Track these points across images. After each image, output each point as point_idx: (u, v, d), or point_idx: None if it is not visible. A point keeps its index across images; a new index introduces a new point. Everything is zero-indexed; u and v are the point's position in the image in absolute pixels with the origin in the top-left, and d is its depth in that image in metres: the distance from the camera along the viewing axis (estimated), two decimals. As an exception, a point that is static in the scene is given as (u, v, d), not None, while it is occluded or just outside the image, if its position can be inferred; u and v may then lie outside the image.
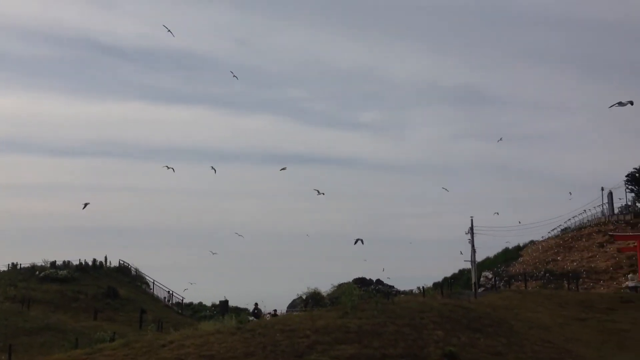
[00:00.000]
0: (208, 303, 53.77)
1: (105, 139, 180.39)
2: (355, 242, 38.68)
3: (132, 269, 54.03)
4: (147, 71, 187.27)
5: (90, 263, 51.63)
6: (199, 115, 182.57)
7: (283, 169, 45.29)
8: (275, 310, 33.88)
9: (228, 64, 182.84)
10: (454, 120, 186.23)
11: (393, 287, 73.82)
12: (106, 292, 45.85)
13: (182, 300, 51.23)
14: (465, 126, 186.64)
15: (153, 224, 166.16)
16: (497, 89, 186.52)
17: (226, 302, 45.67)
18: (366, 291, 25.77)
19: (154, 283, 52.39)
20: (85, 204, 37.23)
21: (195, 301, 54.68)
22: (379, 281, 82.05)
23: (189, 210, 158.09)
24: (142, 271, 54.33)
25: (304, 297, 45.02)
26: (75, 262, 50.70)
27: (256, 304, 33.37)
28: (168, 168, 41.89)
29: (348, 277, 76.12)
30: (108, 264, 52.95)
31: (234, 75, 42.89)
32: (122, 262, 54.22)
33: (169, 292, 51.38)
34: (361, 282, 75.38)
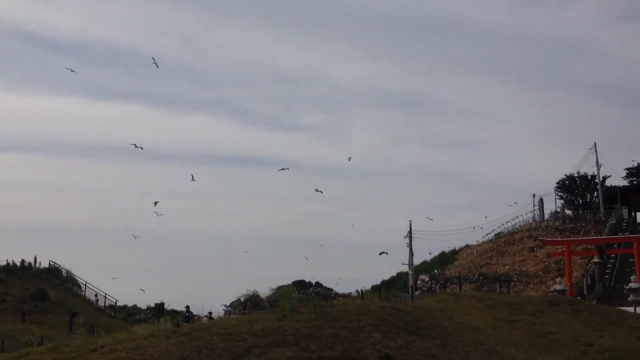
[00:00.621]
0: (143, 306, 52.53)
1: (37, 134, 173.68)
2: (380, 254, 39.93)
3: (63, 270, 52.14)
4: (83, 65, 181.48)
5: (18, 264, 49.45)
6: (135, 113, 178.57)
7: (283, 169, 45.48)
8: (210, 313, 33.36)
9: (168, 61, 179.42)
10: (396, 125, 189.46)
11: (332, 289, 74.27)
12: (35, 294, 44.06)
13: (116, 302, 49.84)
14: (406, 131, 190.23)
15: (86, 224, 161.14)
16: (437, 96, 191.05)
17: (162, 304, 44.83)
18: (305, 294, 25.75)
19: (85, 285, 50.75)
20: None
21: (130, 304, 53.32)
22: (318, 284, 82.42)
23: (125, 211, 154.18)
24: (74, 273, 52.54)
25: (242, 299, 44.67)
26: (2, 263, 48.45)
27: (187, 307, 32.68)
28: (136, 147, 41.05)
29: (287, 280, 76.17)
30: (37, 265, 50.89)
31: (154, 62, 41.33)
32: (52, 263, 52.24)
33: (96, 294, 49.71)
34: (300, 284, 75.61)
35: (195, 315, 33.20)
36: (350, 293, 53.57)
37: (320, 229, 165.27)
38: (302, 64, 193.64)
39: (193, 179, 43.81)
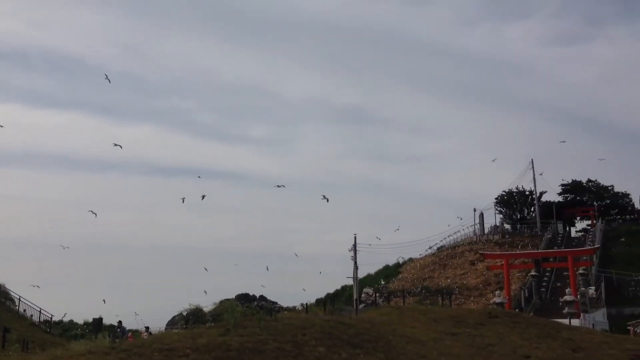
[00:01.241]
0: (80, 321, 50.67)
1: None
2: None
3: (-6, 284, 49.71)
4: (19, 71, 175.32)
5: (-55, 277, 46.85)
6: (75, 122, 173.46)
7: (279, 186, 45.78)
8: (147, 328, 32.29)
9: (113, 69, 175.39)
10: (341, 138, 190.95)
11: (276, 303, 73.78)
12: (-37, 309, 41.84)
13: (51, 318, 47.88)
14: (352, 145, 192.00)
15: (21, 235, 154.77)
16: (383, 110, 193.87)
17: (100, 319, 43.27)
18: (249, 308, 25.44)
19: (19, 299, 48.55)
20: None
21: (66, 319, 51.33)
22: (262, 297, 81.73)
23: (63, 222, 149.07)
24: (7, 287, 50.19)
25: (184, 313, 43.68)
26: None
27: (119, 322, 31.51)
28: (116, 145, 41.94)
29: (231, 294, 75.23)
30: (-33, 278, 48.36)
31: (107, 78, 42.61)
32: (-17, 277, 49.67)
33: (25, 309, 47.55)
34: (244, 298, 74.83)
35: (129, 331, 32.14)
36: (294, 307, 53.34)
37: (265, 241, 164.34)
38: (250, 76, 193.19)
39: (203, 198, 44.18)
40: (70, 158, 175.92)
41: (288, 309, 49.94)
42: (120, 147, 42.70)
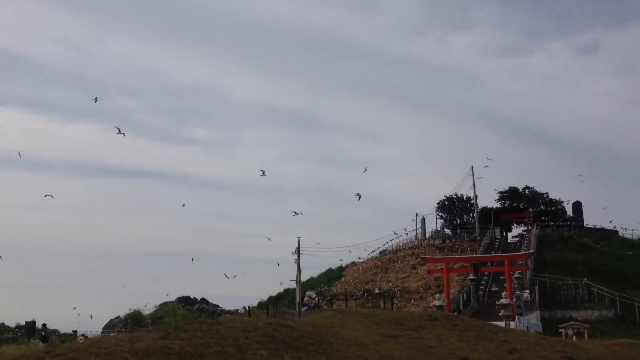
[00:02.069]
0: (12, 324, 48.70)
1: None
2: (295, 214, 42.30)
3: None
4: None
5: None
6: (10, 118, 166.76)
7: (296, 213, 45.85)
8: (75, 332, 31.21)
9: (53, 66, 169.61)
10: (287, 142, 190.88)
11: (218, 306, 72.95)
12: None
13: (-19, 321, 45.84)
14: (297, 149, 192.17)
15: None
16: (328, 115, 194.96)
17: (33, 322, 41.60)
18: (190, 311, 25.02)
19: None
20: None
21: (-4, 322, 49.27)
22: (203, 300, 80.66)
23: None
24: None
25: (122, 317, 42.58)
26: None
27: (44, 325, 30.25)
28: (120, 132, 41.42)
29: (172, 296, 73.87)
30: None
31: (95, 99, 43.84)
32: None
33: None
34: (185, 301, 73.60)
35: (53, 331, 30.88)
36: (237, 310, 52.85)
37: (207, 244, 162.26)
38: (195, 77, 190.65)
39: (264, 174, 44.61)
40: (4, 156, 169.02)
41: (230, 312, 49.46)
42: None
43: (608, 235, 75.33)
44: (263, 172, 43.99)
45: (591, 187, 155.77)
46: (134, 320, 22.17)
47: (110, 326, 52.31)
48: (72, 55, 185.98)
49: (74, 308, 48.31)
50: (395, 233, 75.17)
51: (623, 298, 54.38)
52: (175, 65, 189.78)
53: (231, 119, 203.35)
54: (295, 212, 45.05)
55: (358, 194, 44.37)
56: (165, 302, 51.64)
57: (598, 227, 79.55)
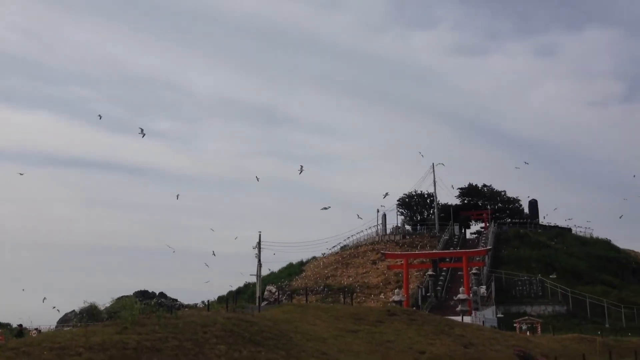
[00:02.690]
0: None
1: None
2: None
3: None
4: None
5: None
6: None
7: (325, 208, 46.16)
8: (20, 325, 30.31)
9: (7, 54, 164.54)
10: (249, 136, 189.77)
11: (177, 300, 72.17)
12: None
13: None
14: (259, 143, 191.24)
15: None
16: (291, 110, 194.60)
17: (-17, 316, 40.46)
18: (148, 305, 24.69)
19: None
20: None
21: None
22: (162, 294, 79.70)
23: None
24: None
25: (78, 311, 41.69)
26: None
27: None
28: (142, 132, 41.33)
29: (129, 290, 72.79)
30: None
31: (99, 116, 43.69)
32: None
33: None
34: (143, 295, 72.63)
35: None
36: (196, 304, 52.41)
37: (167, 238, 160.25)
38: (157, 69, 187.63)
39: (142, 132, 43.50)
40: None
41: (189, 307, 49.00)
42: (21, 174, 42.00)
43: (562, 233, 77.39)
44: (301, 167, 44.64)
45: (547, 186, 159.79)
46: (90, 314, 21.76)
47: (65, 320, 51.20)
48: (31, 43, 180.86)
49: (44, 299, 47.18)
50: (358, 216, 75.55)
51: (575, 294, 55.99)
52: (137, 55, 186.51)
53: (193, 112, 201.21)
54: (325, 208, 45.79)
55: (301, 166, 44.88)
56: (123, 296, 50.83)
57: (552, 224, 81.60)
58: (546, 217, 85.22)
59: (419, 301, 51.15)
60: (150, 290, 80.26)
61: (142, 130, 41.99)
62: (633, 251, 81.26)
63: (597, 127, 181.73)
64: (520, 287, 57.24)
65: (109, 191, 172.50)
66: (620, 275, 66.90)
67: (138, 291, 75.25)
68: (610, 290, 59.51)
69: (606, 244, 76.30)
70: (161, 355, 16.52)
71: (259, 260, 42.12)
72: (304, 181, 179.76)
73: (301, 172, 44.63)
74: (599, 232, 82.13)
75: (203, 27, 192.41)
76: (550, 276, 57.81)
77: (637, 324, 53.82)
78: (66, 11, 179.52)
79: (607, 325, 51.02)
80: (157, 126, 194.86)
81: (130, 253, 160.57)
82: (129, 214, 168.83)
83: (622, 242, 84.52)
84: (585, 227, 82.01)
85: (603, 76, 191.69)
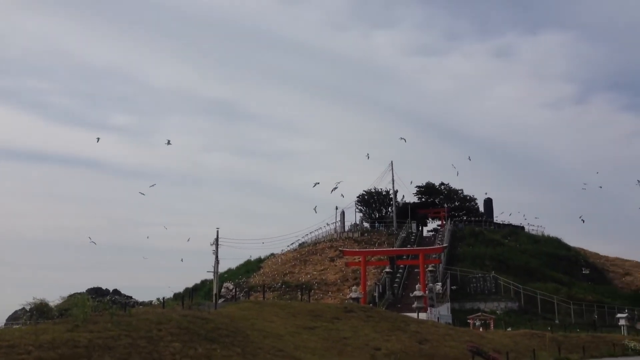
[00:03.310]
0: None
1: None
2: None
3: None
4: None
5: None
6: None
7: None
8: None
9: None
10: (208, 131, 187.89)
11: (131, 297, 70.90)
12: None
13: None
14: (218, 138, 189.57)
15: None
16: (251, 106, 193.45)
17: None
18: (101, 302, 24.18)
19: None
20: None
21: None
22: (116, 291, 78.26)
23: None
24: None
25: (27, 308, 40.46)
26: None
27: None
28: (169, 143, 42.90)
29: (82, 287, 71.24)
30: None
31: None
32: None
33: None
34: (96, 292, 71.20)
35: None
36: (151, 301, 51.56)
37: (123, 234, 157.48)
38: (113, 61, 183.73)
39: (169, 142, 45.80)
40: None
41: (144, 304, 48.18)
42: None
43: (515, 231, 79.27)
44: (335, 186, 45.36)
45: (501, 185, 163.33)
46: (40, 311, 21.12)
47: (14, 318, 49.64)
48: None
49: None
50: (315, 210, 75.85)
51: (527, 290, 57.45)
52: (92, 46, 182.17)
53: (151, 106, 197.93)
54: (336, 185, 46.48)
55: (168, 141, 45.67)
56: (75, 293, 49.67)
57: (506, 223, 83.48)
58: (500, 215, 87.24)
59: (376, 298, 51.62)
60: (104, 287, 78.78)
61: (169, 141, 43.79)
62: (582, 249, 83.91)
63: (550, 128, 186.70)
64: (475, 284, 58.36)
65: (63, 185, 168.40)
66: (569, 273, 69.00)
67: (91, 288, 73.77)
68: (561, 287, 61.35)
69: (557, 242, 78.57)
70: (113, 353, 16.20)
71: (217, 257, 41.75)
72: (263, 178, 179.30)
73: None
74: (551, 231, 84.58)
75: (163, 20, 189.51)
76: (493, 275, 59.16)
77: (585, 320, 55.66)
78: (20, 2, 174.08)
79: (556, 321, 52.56)
80: (114, 120, 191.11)
81: (84, 249, 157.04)
82: (83, 209, 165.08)
83: (572, 240, 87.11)
84: (538, 226, 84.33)
85: (556, 78, 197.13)
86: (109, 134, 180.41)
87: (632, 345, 39.37)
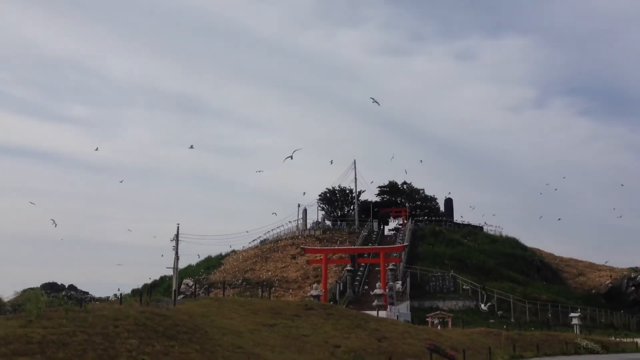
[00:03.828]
0: None
1: None
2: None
3: None
4: None
5: None
6: None
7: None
8: None
9: None
10: (170, 126, 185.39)
11: (88, 293, 69.57)
12: None
13: None
14: (180, 133, 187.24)
15: None
16: (214, 102, 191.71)
17: None
18: (56, 298, 23.65)
19: None
20: None
21: None
22: (71, 287, 76.66)
23: None
24: None
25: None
26: None
27: None
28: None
29: (36, 282, 69.53)
30: None
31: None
32: None
33: None
34: (51, 287, 69.65)
35: None
36: (108, 297, 50.73)
37: (79, 228, 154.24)
38: (74, 52, 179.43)
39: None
40: None
41: (100, 300, 47.35)
42: None
43: (474, 231, 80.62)
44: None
45: (462, 185, 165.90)
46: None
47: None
48: None
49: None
50: (274, 214, 75.81)
51: (484, 290, 58.52)
52: (52, 38, 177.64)
53: (112, 99, 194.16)
54: (292, 154, 46.12)
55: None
56: (29, 289, 48.41)
57: (466, 223, 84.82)
58: (462, 216, 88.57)
59: (337, 296, 51.80)
60: (59, 283, 77.05)
61: (192, 146, 44.27)
62: (538, 249, 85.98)
63: (510, 130, 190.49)
64: (434, 283, 59.12)
65: (16, 178, 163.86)
66: (525, 272, 70.61)
67: (46, 283, 72.05)
68: (516, 287, 62.74)
69: (514, 243, 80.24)
70: (68, 350, 15.84)
71: (176, 253, 41.28)
72: (226, 174, 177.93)
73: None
74: (508, 231, 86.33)
75: (125, 13, 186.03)
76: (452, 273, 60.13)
77: (539, 318, 57.06)
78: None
79: (512, 320, 53.70)
80: (72, 111, 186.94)
81: (39, 243, 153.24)
82: (39, 202, 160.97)
83: (529, 240, 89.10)
84: (496, 226, 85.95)
85: (517, 82, 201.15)
86: (67, 126, 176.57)
87: (585, 344, 40.52)
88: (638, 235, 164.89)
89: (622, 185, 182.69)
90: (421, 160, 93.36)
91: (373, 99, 47.54)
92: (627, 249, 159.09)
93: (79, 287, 76.38)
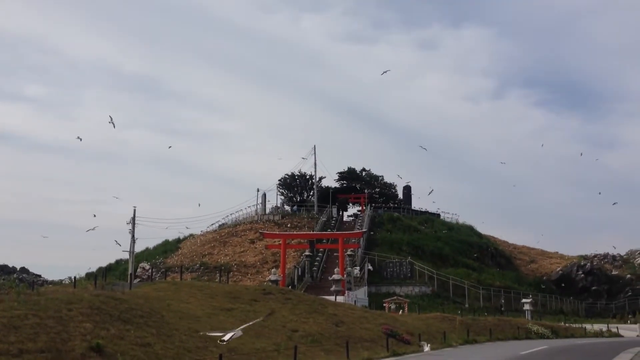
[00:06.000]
0: None
1: None
2: None
3: None
4: None
5: None
6: None
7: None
8: None
9: None
10: (129, 108, 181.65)
11: (40, 276, 68.01)
12: None
13: None
14: (139, 115, 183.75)
15: None
16: (176, 84, 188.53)
17: None
18: (7, 280, 23.07)
19: None
20: None
21: None
22: (23, 269, 74.81)
23: None
24: None
25: None
26: None
27: None
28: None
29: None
30: None
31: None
32: None
33: None
34: (2, 270, 67.82)
35: None
36: (61, 280, 49.62)
37: (32, 210, 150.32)
38: (27, 28, 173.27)
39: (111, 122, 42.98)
40: None
41: (54, 283, 46.34)
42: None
43: (431, 218, 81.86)
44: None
45: (422, 173, 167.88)
46: (-63, 290, 19.88)
47: None
48: None
49: None
50: (246, 206, 75.17)
51: (440, 275, 59.65)
52: (6, 15, 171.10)
53: (69, 78, 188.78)
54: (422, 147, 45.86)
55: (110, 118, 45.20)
56: (-22, 271, 47.03)
57: (423, 210, 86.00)
58: (419, 200, 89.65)
59: (295, 281, 51.97)
60: (10, 265, 75.05)
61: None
62: (492, 237, 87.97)
63: (470, 120, 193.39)
64: (391, 269, 59.93)
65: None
66: (480, 259, 72.21)
67: (-3, 266, 70.12)
68: (471, 273, 64.20)
69: (470, 230, 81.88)
70: (19, 333, 15.42)
71: (133, 236, 40.54)
72: (186, 157, 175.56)
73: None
74: (465, 219, 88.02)
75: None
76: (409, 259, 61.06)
77: (492, 304, 58.57)
78: None
79: (466, 305, 54.97)
80: (28, 90, 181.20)
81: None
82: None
83: (484, 228, 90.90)
84: (453, 213, 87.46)
85: (477, 73, 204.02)
86: (23, 105, 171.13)
87: (535, 329, 41.81)
88: (588, 224, 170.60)
89: (573, 175, 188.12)
90: (409, 166, 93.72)
91: (422, 146, 48.77)
92: (577, 238, 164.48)
93: (31, 270, 74.60)
